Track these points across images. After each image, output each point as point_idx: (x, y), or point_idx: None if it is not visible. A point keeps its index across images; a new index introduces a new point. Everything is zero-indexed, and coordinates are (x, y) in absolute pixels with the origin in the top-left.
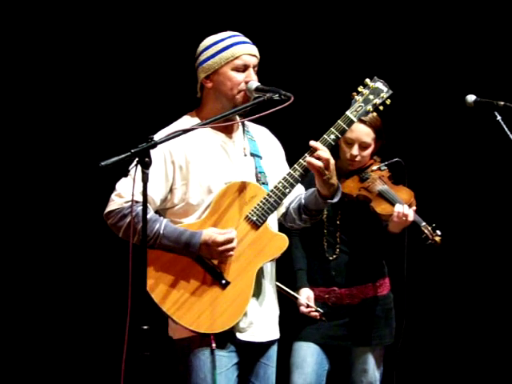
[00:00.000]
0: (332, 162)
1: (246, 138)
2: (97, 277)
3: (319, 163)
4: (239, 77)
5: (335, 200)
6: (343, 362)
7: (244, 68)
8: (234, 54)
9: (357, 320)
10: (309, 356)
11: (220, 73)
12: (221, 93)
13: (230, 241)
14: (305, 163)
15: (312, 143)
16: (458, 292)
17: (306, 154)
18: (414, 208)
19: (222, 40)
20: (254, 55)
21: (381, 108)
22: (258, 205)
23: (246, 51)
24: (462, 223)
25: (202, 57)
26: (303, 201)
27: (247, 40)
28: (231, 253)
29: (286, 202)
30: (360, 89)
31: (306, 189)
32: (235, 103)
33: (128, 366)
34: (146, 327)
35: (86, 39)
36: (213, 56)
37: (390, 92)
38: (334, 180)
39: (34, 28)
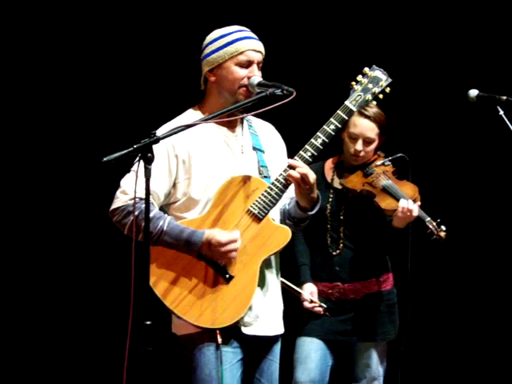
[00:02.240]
0: (312, 176)
1: (249, 132)
2: (100, 272)
3: (297, 175)
4: (242, 72)
5: (313, 212)
6: (346, 357)
7: (248, 64)
8: (238, 50)
9: (360, 315)
10: (312, 351)
11: (223, 67)
12: (223, 87)
13: (233, 241)
14: (306, 155)
15: (290, 162)
16: (463, 288)
17: (318, 132)
18: (419, 203)
19: (228, 34)
20: (259, 51)
21: (380, 96)
22: (260, 198)
23: (251, 47)
24: (467, 218)
25: (207, 50)
26: (287, 206)
27: (253, 35)
28: (234, 254)
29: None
30: (359, 78)
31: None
32: (237, 98)
33: (131, 362)
34: (148, 322)
35: (87, 33)
36: (217, 50)
37: (390, 80)
38: (315, 194)
39: (33, 27)
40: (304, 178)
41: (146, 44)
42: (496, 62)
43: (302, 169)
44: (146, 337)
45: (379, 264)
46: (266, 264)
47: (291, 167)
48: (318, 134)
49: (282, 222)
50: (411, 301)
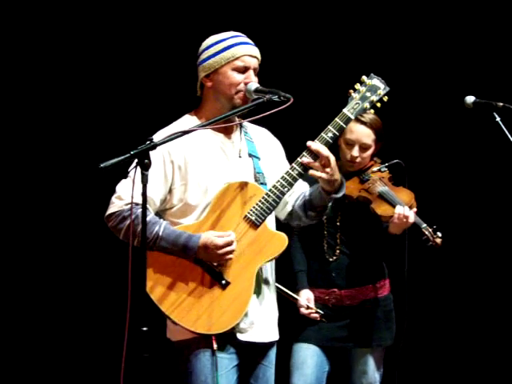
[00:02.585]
0: (332, 158)
1: (245, 139)
2: (97, 278)
3: (316, 164)
4: (238, 77)
5: (340, 195)
6: (343, 363)
7: (244, 69)
8: (234, 55)
9: (357, 321)
10: (309, 357)
11: (220, 72)
12: (220, 92)
13: (229, 244)
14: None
15: (309, 143)
16: (459, 294)
17: (303, 153)
18: (415, 209)
19: (224, 40)
20: (255, 57)
21: (378, 105)
22: (257, 204)
23: (247, 52)
24: (463, 225)
25: (203, 55)
26: (308, 197)
27: (249, 41)
28: (230, 256)
29: (290, 200)
30: (357, 86)
31: (309, 186)
32: (234, 103)
33: (127, 368)
34: (145, 329)
35: (86, 40)
36: (214, 55)
37: (387, 89)
38: (337, 175)
39: (34, 28)
40: (325, 163)
41: (142, 50)
42: (493, 68)
43: (324, 151)
44: (143, 343)
45: (376, 270)
46: (262, 271)
47: (310, 151)
48: (315, 141)
49: (303, 216)
50: (408, 307)
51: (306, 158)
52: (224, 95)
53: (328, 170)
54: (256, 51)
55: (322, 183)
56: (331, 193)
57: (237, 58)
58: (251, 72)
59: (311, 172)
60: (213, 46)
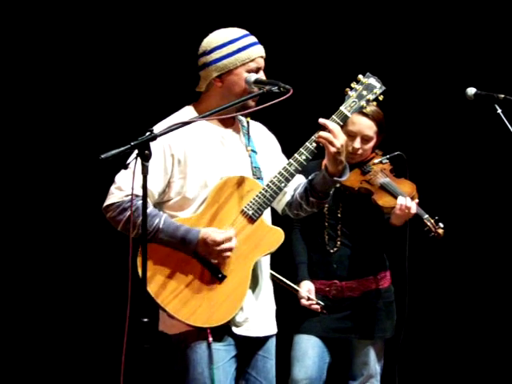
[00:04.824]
0: (343, 136)
1: (243, 133)
2: (97, 270)
3: (331, 136)
4: None
5: (343, 178)
6: (344, 354)
7: (256, 70)
8: (250, 57)
9: (358, 313)
10: (310, 349)
11: (234, 73)
12: (232, 93)
13: (228, 239)
14: (301, 159)
15: (321, 121)
16: (460, 285)
17: (315, 134)
18: (417, 201)
19: (237, 40)
20: (264, 57)
21: (374, 104)
22: (254, 199)
23: (260, 54)
24: (465, 216)
25: (216, 55)
26: (311, 182)
27: (258, 41)
28: (228, 253)
29: (289, 190)
30: (353, 85)
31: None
32: (246, 104)
33: (128, 359)
34: (145, 320)
35: (85, 32)
36: (228, 56)
37: (383, 88)
38: (343, 157)
39: (33, 25)
40: (335, 137)
41: (141, 42)
42: (494, 60)
43: (335, 127)
44: (143, 334)
45: (377, 262)
46: (259, 265)
47: (323, 129)
48: (312, 137)
49: (304, 203)
50: (409, 298)
51: (320, 132)
52: (237, 96)
53: (337, 145)
54: (264, 51)
55: (327, 162)
56: (335, 175)
57: (252, 60)
58: (262, 72)
59: (321, 138)
60: (226, 46)
